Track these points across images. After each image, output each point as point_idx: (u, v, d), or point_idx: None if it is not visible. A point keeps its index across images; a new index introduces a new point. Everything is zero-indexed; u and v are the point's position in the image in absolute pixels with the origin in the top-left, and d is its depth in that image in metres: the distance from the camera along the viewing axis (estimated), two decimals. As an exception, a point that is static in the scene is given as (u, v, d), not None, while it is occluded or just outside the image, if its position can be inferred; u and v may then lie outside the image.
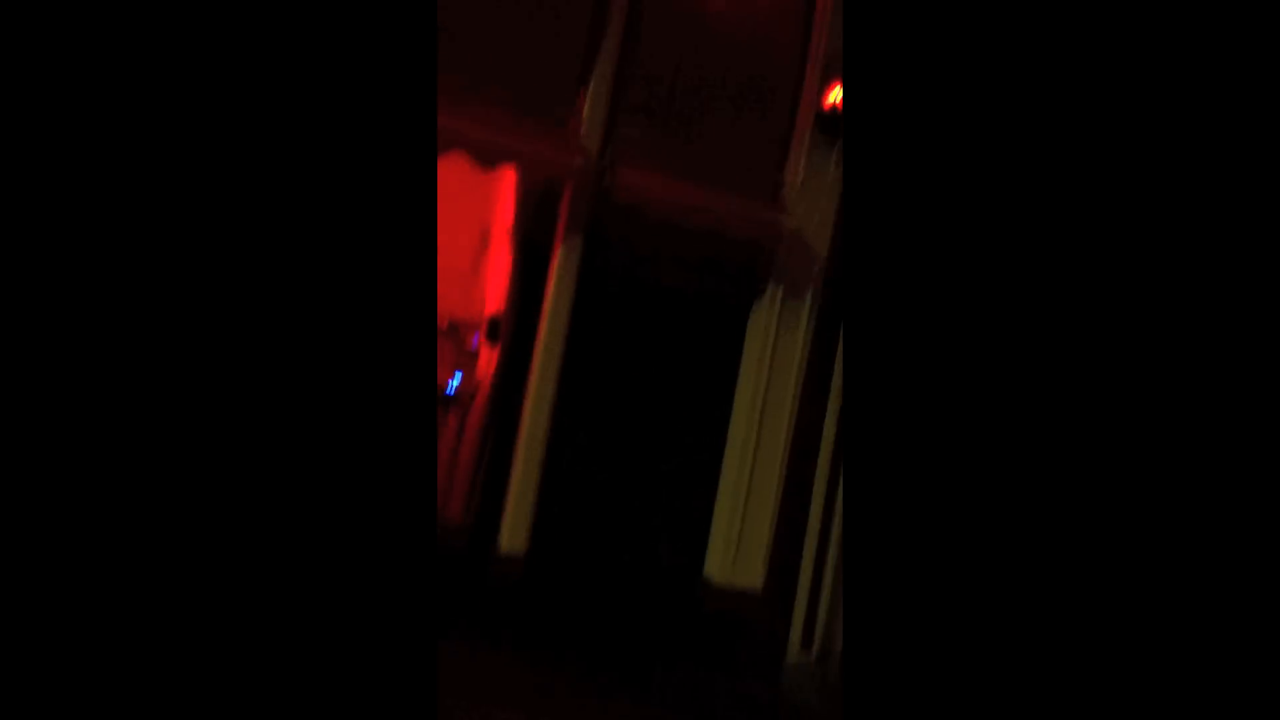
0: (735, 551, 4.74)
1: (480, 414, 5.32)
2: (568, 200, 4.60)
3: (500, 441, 4.93)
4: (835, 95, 4.46)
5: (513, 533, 4.69)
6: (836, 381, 4.65)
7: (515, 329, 4.90)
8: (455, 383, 5.46)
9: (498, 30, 4.49)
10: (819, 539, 4.73)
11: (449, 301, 5.27)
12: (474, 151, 4.42)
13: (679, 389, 4.79)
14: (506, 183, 5.00)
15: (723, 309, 4.71)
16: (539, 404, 4.68)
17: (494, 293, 5.52)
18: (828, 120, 4.45)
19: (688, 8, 4.56)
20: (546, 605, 4.56)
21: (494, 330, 5.27)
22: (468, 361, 5.53)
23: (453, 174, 5.00)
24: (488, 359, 5.50)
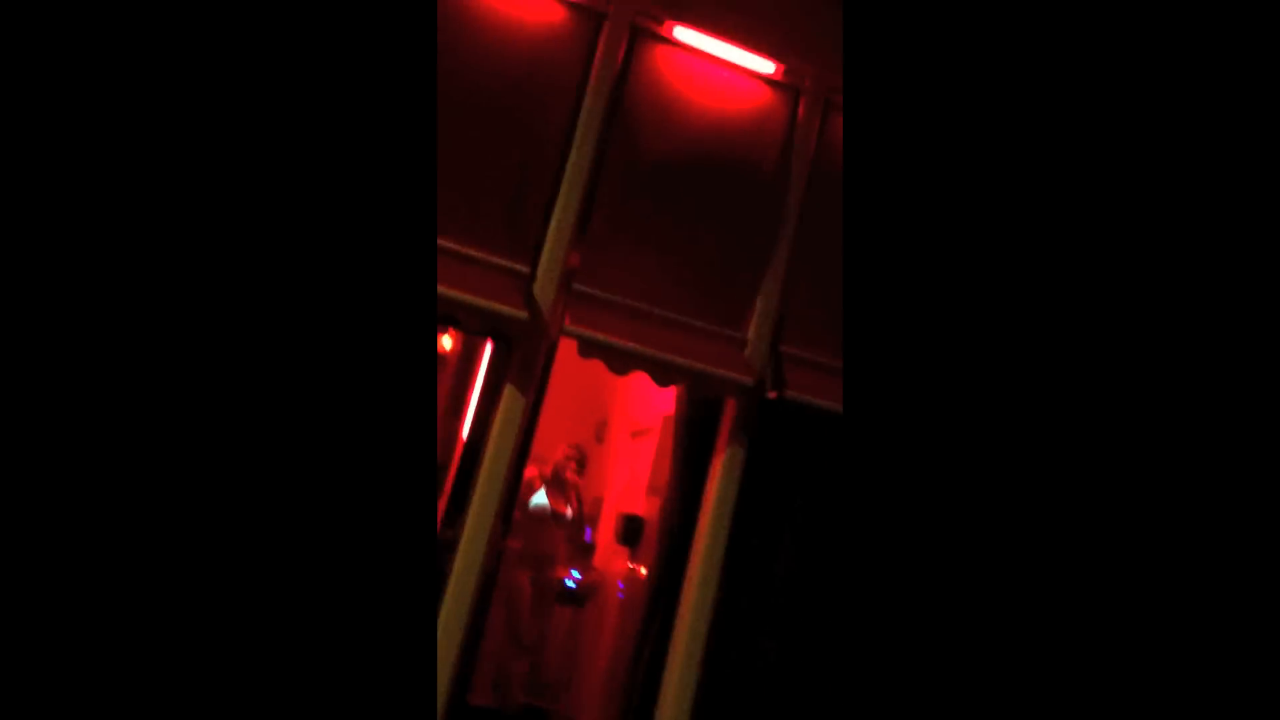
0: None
1: (620, 615, 5.34)
2: (731, 415, 4.82)
3: (648, 643, 4.95)
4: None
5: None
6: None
7: (664, 533, 5.01)
8: (574, 578, 5.49)
9: (686, 257, 4.79)
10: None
11: (554, 498, 5.37)
12: (651, 371, 4.64)
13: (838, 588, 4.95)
14: (667, 394, 5.19)
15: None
16: (698, 606, 4.75)
17: (629, 493, 5.63)
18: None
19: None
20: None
21: (632, 530, 5.36)
22: (581, 555, 5.58)
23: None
24: (615, 557, 5.56)
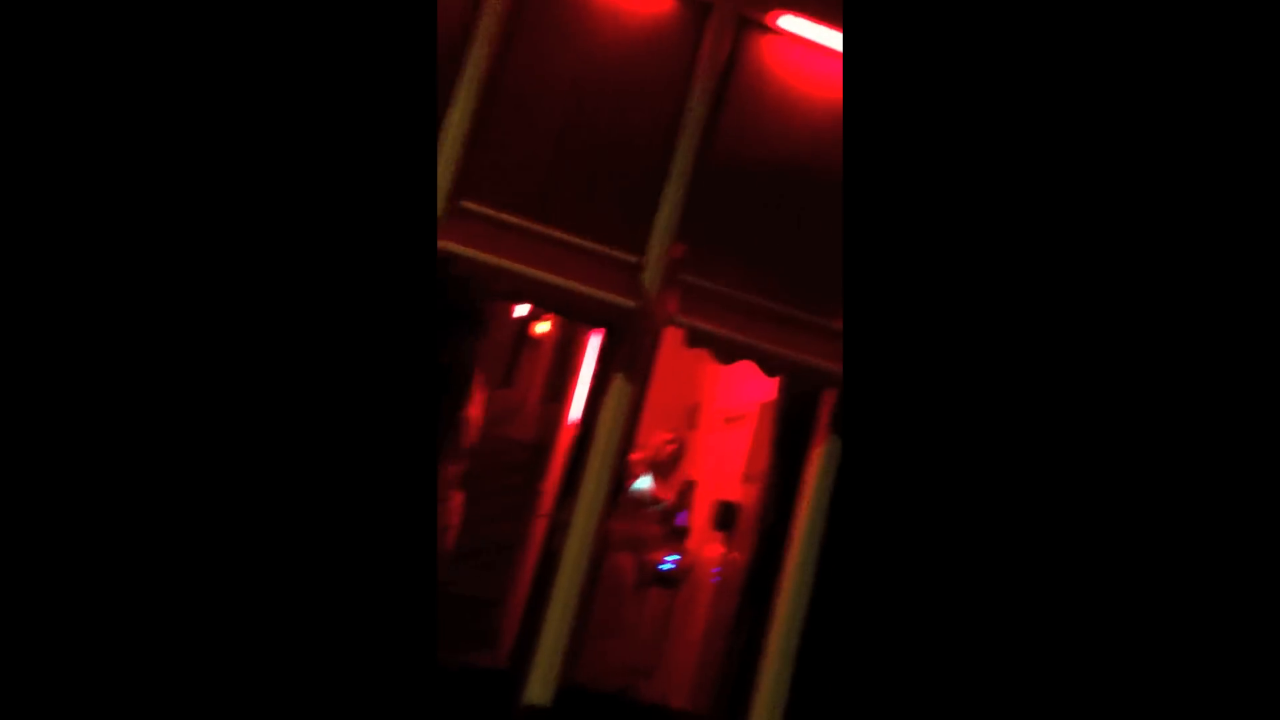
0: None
1: (715, 601, 5.42)
2: (831, 405, 4.87)
3: (743, 629, 5.03)
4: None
5: (762, 720, 4.76)
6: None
7: (761, 520, 5.08)
8: (671, 561, 5.56)
9: (793, 250, 4.83)
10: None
11: (657, 483, 5.45)
12: (759, 361, 4.70)
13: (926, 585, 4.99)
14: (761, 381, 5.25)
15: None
16: (795, 594, 4.81)
17: (724, 480, 5.70)
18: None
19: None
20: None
21: (727, 517, 5.43)
22: (675, 539, 5.65)
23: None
24: (707, 542, 5.64)
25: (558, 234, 4.43)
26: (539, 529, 4.98)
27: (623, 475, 4.91)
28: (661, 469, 5.49)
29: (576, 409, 5.24)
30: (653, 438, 5.49)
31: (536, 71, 4.60)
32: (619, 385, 4.57)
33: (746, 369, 4.83)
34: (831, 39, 4.85)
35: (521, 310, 5.96)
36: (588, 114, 4.63)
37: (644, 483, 5.39)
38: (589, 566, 4.48)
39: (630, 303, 4.44)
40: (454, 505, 5.09)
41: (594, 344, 5.20)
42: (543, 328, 6.01)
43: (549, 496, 5.01)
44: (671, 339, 4.72)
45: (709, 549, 5.60)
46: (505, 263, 4.34)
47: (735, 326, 4.64)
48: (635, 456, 5.20)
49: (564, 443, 4.95)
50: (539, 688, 4.41)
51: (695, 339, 4.59)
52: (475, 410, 5.18)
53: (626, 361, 4.57)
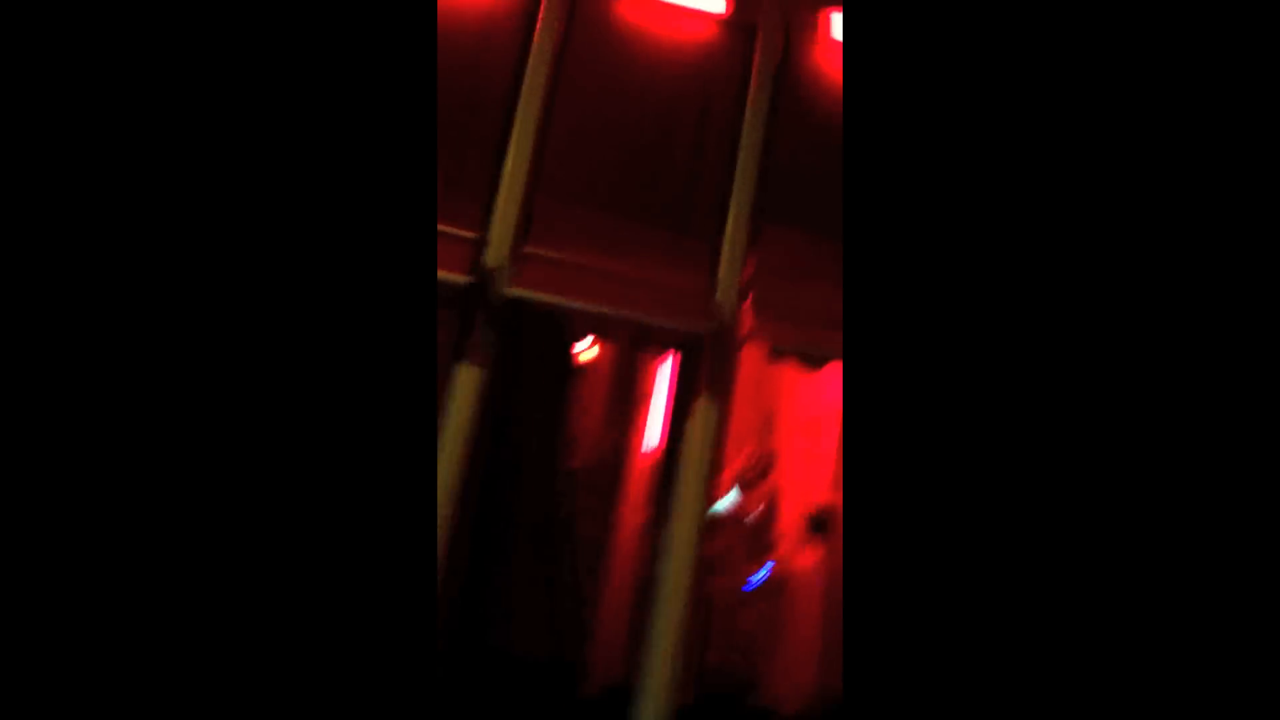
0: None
1: (818, 604, 5.41)
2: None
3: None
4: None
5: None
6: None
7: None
8: (764, 574, 5.55)
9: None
10: None
11: (745, 500, 5.43)
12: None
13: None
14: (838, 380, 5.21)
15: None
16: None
17: (814, 487, 5.68)
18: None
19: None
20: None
21: (823, 522, 5.41)
22: (764, 551, 5.64)
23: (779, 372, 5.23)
24: (801, 549, 5.61)
25: (625, 269, 4.40)
26: (620, 561, 4.99)
27: (714, 496, 4.90)
28: (748, 483, 5.47)
29: (650, 433, 5.25)
30: (736, 453, 5.48)
31: (586, 106, 4.57)
32: (704, 406, 4.54)
33: (829, 376, 4.79)
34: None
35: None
36: (638, 143, 4.60)
37: (729, 499, 5.39)
38: (690, 591, 4.47)
39: (708, 325, 4.41)
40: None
41: (664, 368, 5.19)
42: (589, 354, 5.98)
43: (627, 527, 5.01)
44: (749, 353, 4.69)
45: (803, 556, 5.59)
46: (577, 303, 4.32)
47: (816, 337, 4.59)
48: (724, 474, 5.19)
49: (642, 469, 4.94)
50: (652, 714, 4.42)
51: (778, 353, 4.56)
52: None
53: (709, 382, 4.55)
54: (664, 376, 5.22)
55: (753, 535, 5.64)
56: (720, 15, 4.71)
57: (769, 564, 5.60)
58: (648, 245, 4.53)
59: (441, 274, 4.10)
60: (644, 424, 5.49)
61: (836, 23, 4.74)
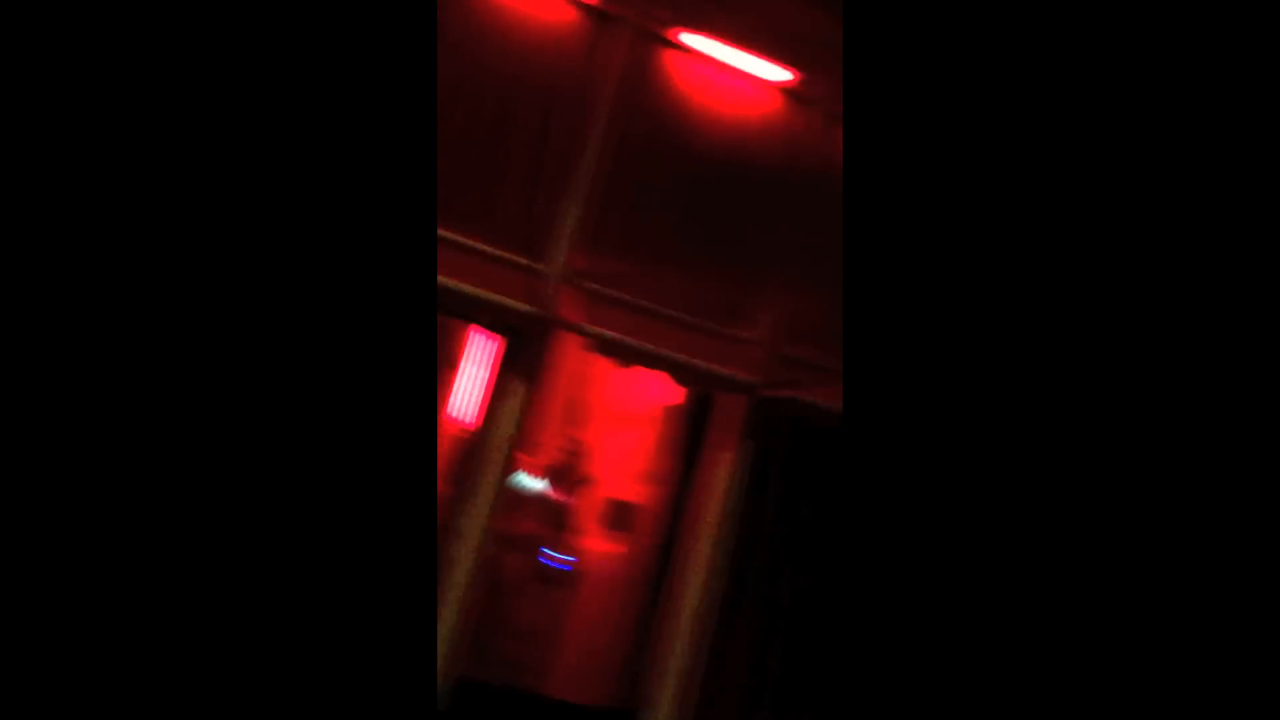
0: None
1: (609, 594, 5.53)
2: (732, 410, 5.00)
3: (640, 627, 5.15)
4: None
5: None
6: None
7: (659, 519, 5.20)
8: (563, 560, 5.65)
9: (695, 258, 4.92)
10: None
11: (554, 485, 5.53)
12: (663, 367, 4.79)
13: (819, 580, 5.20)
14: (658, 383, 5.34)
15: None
16: (694, 592, 4.93)
17: (617, 480, 5.79)
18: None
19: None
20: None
21: (622, 515, 5.53)
22: (567, 537, 5.74)
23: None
24: (601, 540, 5.74)
25: (460, 238, 4.40)
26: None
27: (517, 476, 4.96)
28: (559, 470, 5.54)
29: (461, 409, 5.26)
30: (550, 439, 5.53)
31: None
32: (516, 388, 4.59)
33: (644, 372, 4.91)
34: (735, 58, 4.92)
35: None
36: (479, 120, 4.59)
37: (539, 483, 5.44)
38: (475, 567, 4.51)
39: (532, 309, 4.45)
40: None
41: (478, 344, 5.21)
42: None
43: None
44: (571, 343, 4.76)
45: (602, 547, 5.69)
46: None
47: (636, 332, 4.70)
48: (532, 458, 5.24)
49: (452, 444, 4.94)
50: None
51: (600, 346, 4.64)
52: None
53: (525, 366, 4.59)
54: (485, 354, 5.23)
55: (556, 522, 5.71)
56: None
57: (567, 553, 5.68)
58: (483, 221, 4.53)
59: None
60: (452, 394, 5.48)
61: (687, 39, 4.84)
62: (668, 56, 4.88)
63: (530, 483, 5.45)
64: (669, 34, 4.83)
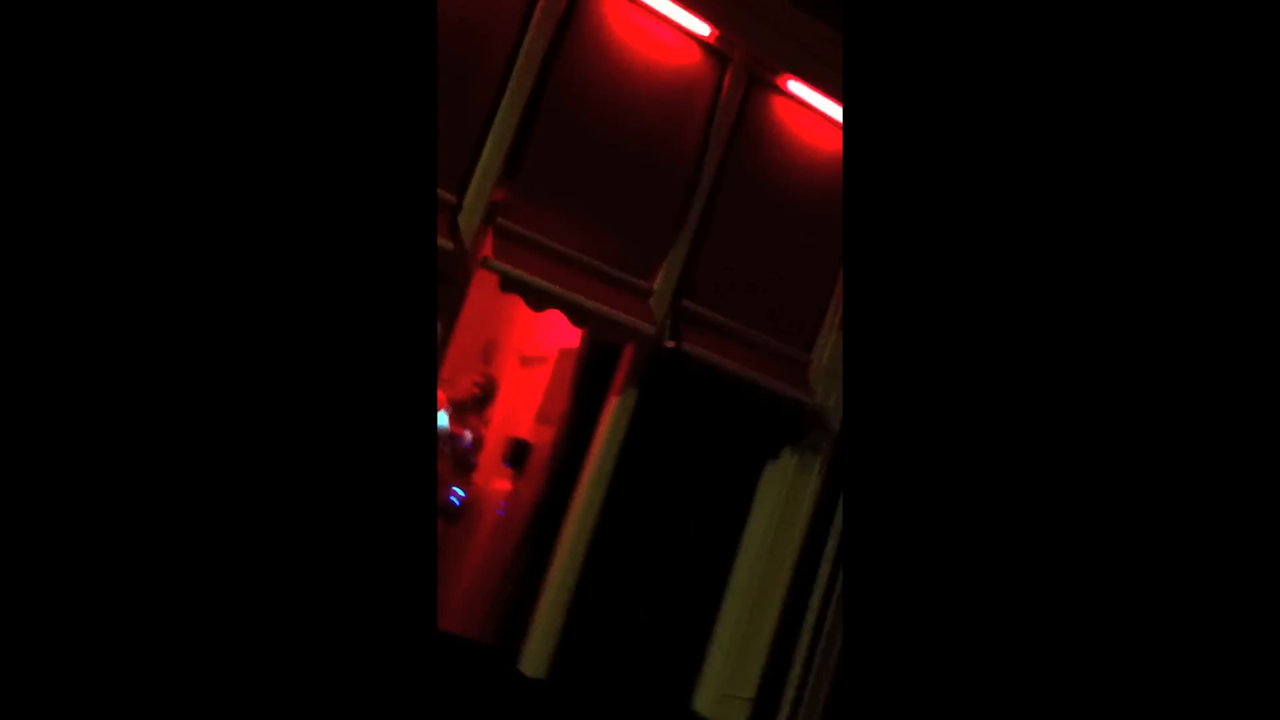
0: (725, 691, 5.40)
1: (497, 532, 5.63)
2: (629, 358, 5.14)
3: (527, 565, 5.28)
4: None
5: (536, 657, 5.06)
6: (836, 530, 5.49)
7: (553, 460, 5.32)
8: (456, 495, 5.72)
9: (609, 207, 5.00)
10: (801, 684, 5.51)
11: (455, 422, 5.59)
12: (568, 312, 4.88)
13: (701, 529, 5.43)
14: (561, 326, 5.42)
15: (749, 462, 5.47)
16: (578, 533, 5.09)
17: (517, 420, 5.86)
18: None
19: (758, 199, 5.32)
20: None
21: (519, 454, 5.62)
22: (463, 473, 5.81)
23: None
24: (496, 477, 5.82)
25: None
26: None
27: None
28: (463, 407, 5.58)
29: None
30: (457, 376, 5.56)
31: None
32: (426, 323, 4.60)
33: (552, 315, 4.98)
34: (664, 7, 4.97)
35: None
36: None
37: (441, 419, 5.47)
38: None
39: (447, 244, 4.46)
40: None
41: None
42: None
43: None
44: (482, 281, 4.80)
45: (496, 484, 5.77)
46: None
47: (545, 274, 4.76)
48: (440, 393, 5.26)
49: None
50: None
51: (507, 285, 4.69)
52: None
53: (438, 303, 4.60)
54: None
55: (456, 457, 5.75)
56: None
57: (461, 488, 5.74)
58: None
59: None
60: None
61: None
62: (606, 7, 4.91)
63: (438, 419, 5.48)
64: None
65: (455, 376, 5.49)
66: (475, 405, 5.56)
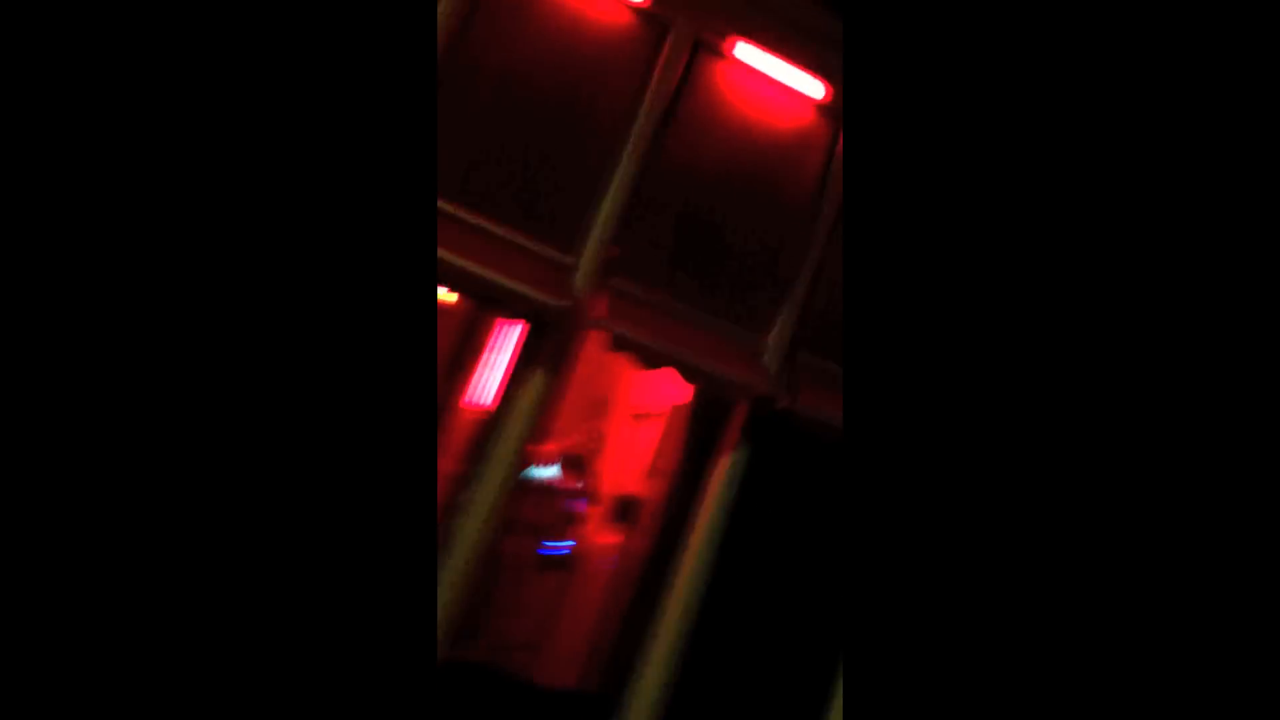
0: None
1: (605, 584, 5.63)
2: (742, 415, 5.10)
3: (636, 620, 5.26)
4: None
5: (640, 713, 5.01)
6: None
7: (663, 516, 5.31)
8: (565, 546, 5.75)
9: (720, 264, 5.01)
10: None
11: (567, 474, 5.62)
12: (680, 370, 4.89)
13: (813, 587, 5.32)
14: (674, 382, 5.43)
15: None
16: (688, 589, 5.04)
17: (627, 473, 5.88)
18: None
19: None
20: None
21: (628, 509, 5.63)
22: (572, 525, 5.84)
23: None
24: (604, 531, 5.83)
25: (496, 228, 4.48)
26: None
27: (530, 463, 5.05)
28: (572, 461, 5.63)
29: (482, 392, 5.33)
30: (567, 429, 5.63)
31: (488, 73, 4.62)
32: (538, 380, 4.67)
33: (665, 371, 5.00)
34: (777, 69, 5.00)
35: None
36: (532, 108, 4.67)
37: (552, 471, 5.53)
38: (480, 549, 4.60)
39: (563, 302, 4.54)
40: None
41: (504, 332, 5.27)
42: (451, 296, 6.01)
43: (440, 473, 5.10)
44: (592, 338, 4.85)
45: (605, 537, 5.79)
46: (444, 255, 4.37)
47: (660, 333, 4.79)
48: (547, 447, 5.33)
49: (467, 422, 5.04)
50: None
51: (619, 344, 4.73)
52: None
53: (548, 358, 4.68)
54: (509, 340, 5.32)
55: (562, 510, 5.80)
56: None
57: (570, 540, 5.78)
58: (519, 212, 4.62)
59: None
60: (475, 378, 5.57)
61: (739, 51, 4.92)
62: (715, 65, 4.96)
63: (541, 470, 5.55)
64: (717, 42, 4.91)
65: (560, 431, 5.55)
66: (577, 459, 5.61)
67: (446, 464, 5.15)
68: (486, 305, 4.79)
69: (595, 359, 5.53)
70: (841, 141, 5.19)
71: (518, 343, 4.88)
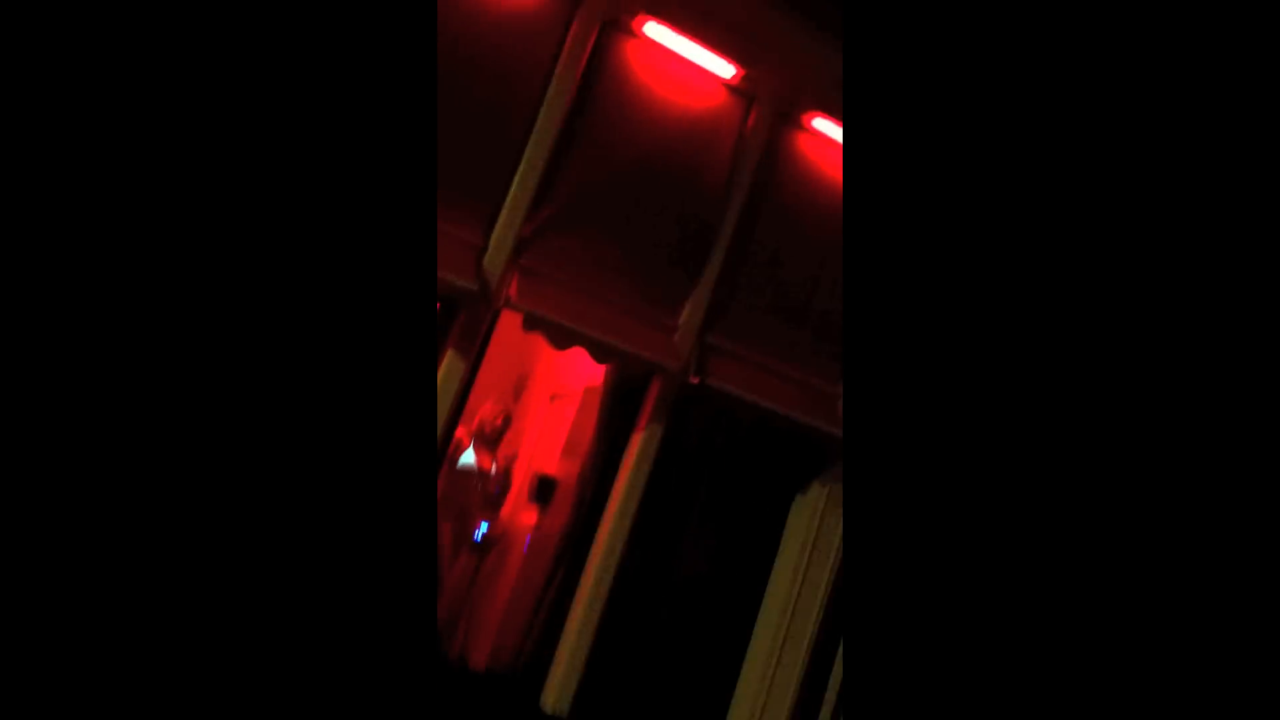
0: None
1: (523, 567, 5.66)
2: (655, 393, 5.16)
3: (553, 599, 5.30)
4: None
5: (559, 692, 5.06)
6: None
7: (579, 495, 5.34)
8: (482, 530, 5.76)
9: (632, 244, 5.04)
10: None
11: (480, 455, 5.64)
12: (591, 349, 4.92)
13: (729, 563, 5.42)
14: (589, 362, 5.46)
15: (777, 495, 5.45)
16: (604, 567, 5.09)
17: (543, 453, 5.90)
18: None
19: (783, 233, 5.33)
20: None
21: (545, 489, 5.65)
22: (490, 508, 5.85)
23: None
24: (522, 511, 5.85)
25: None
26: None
27: (445, 449, 5.04)
28: (487, 441, 5.63)
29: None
30: (480, 410, 5.61)
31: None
32: (450, 363, 4.66)
33: (579, 352, 5.02)
34: (689, 50, 5.02)
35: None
36: (439, 88, 4.63)
37: (469, 457, 5.53)
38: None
39: (471, 284, 4.52)
40: None
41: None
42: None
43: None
44: (512, 319, 4.85)
45: (522, 518, 5.80)
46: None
47: (569, 312, 4.81)
48: (460, 431, 5.32)
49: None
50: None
51: (531, 323, 4.73)
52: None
53: (459, 340, 4.67)
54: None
55: (482, 492, 5.80)
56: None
57: (488, 522, 5.78)
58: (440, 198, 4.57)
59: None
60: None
61: (650, 28, 4.93)
62: (628, 44, 4.97)
63: (464, 456, 5.54)
64: (631, 22, 4.91)
65: (479, 412, 5.55)
66: (495, 439, 5.61)
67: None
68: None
69: (514, 341, 5.53)
70: (751, 121, 5.23)
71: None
